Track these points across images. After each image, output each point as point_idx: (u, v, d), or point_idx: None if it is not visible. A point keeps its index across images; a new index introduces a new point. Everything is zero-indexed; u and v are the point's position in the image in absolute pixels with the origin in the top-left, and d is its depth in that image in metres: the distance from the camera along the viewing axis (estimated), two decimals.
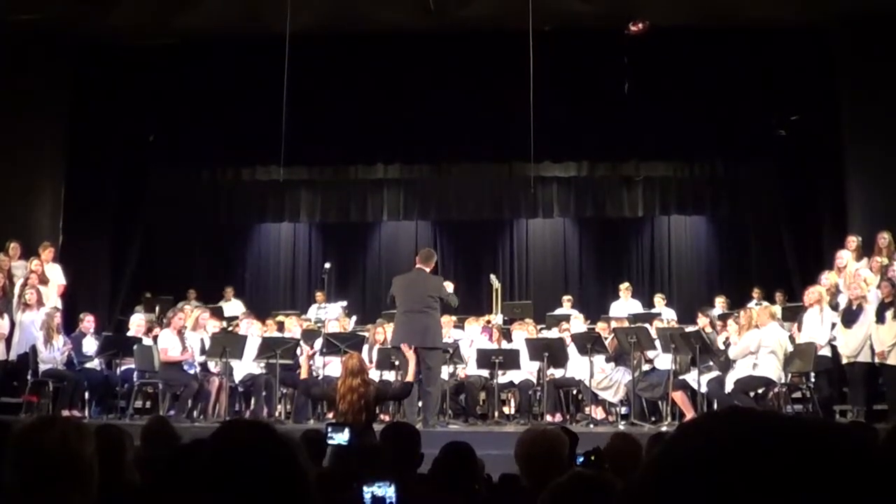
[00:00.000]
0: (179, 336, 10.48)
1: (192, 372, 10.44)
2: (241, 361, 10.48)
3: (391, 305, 9.84)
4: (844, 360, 9.76)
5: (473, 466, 4.07)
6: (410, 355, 8.22)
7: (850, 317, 9.71)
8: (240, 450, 1.23)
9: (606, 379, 10.26)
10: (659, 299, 13.51)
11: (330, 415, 8.99)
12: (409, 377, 8.15)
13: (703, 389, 9.67)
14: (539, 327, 11.81)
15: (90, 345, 10.89)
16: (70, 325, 11.23)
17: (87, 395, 10.53)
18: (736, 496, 0.68)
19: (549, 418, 10.02)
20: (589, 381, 10.05)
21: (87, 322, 11.10)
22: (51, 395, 10.34)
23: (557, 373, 10.47)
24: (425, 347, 9.02)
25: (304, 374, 8.53)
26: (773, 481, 0.68)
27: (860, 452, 0.70)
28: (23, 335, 10.80)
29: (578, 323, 11.48)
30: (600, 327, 11.33)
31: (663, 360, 10.16)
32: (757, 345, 9.42)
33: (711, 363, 9.84)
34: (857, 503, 0.67)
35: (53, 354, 10.44)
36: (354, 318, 12.77)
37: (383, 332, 10.98)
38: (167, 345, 10.39)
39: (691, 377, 9.82)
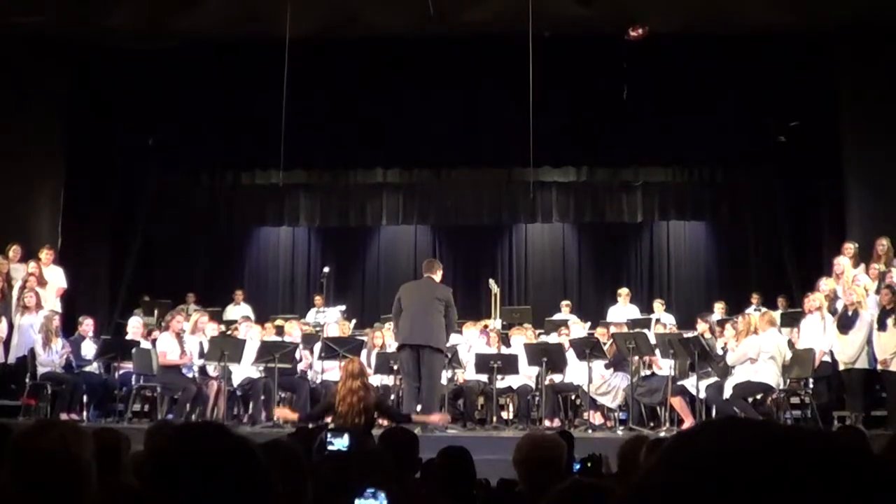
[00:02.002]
0: (178, 339, 10.47)
1: (190, 375, 10.43)
2: (239, 365, 10.46)
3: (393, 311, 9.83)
4: (841, 367, 9.74)
5: (470, 471, 4.06)
6: (441, 417, 8.67)
7: (845, 322, 9.70)
8: (198, 453, 1.23)
9: (605, 384, 10.25)
10: (658, 305, 13.49)
11: (329, 419, 9.02)
12: (415, 418, 8.27)
13: (702, 395, 9.66)
14: (538, 332, 11.81)
15: (89, 348, 10.87)
16: (69, 328, 11.22)
17: (85, 398, 10.50)
18: None
19: (547, 423, 10.02)
20: (587, 387, 10.04)
21: (86, 325, 11.10)
22: (49, 398, 10.32)
23: (556, 378, 10.46)
24: (427, 347, 9.12)
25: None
26: (770, 491, 0.68)
27: (858, 462, 0.70)
28: (21, 338, 10.80)
29: (578, 328, 11.44)
30: (599, 332, 11.31)
31: (662, 366, 10.17)
32: (756, 351, 9.41)
33: (710, 369, 9.84)
34: None
35: (52, 357, 10.43)
36: (354, 321, 12.76)
37: (381, 336, 10.99)
38: (166, 348, 10.38)
39: (689, 383, 9.81)
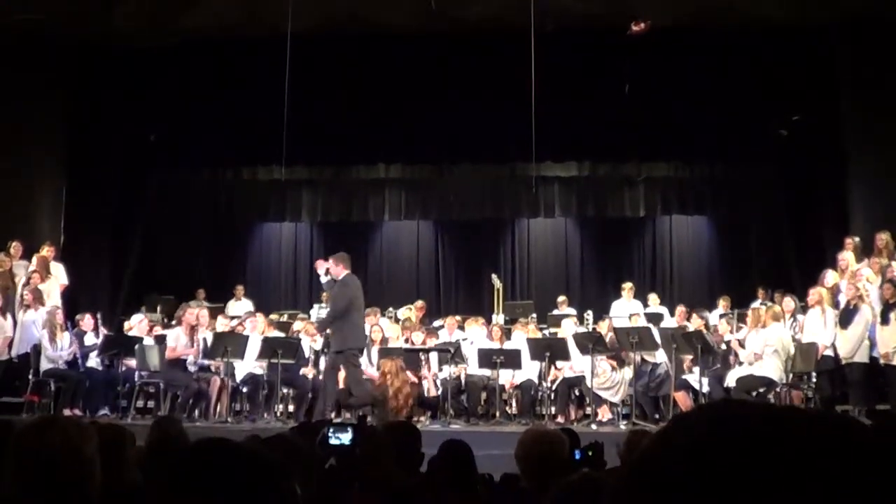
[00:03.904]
0: (190, 333, 10.48)
1: (194, 370, 10.43)
2: (242, 361, 10.47)
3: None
4: (842, 361, 9.75)
5: (471, 465, 4.06)
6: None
7: (846, 317, 9.71)
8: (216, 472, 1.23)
9: (608, 380, 10.24)
10: (654, 298, 13.37)
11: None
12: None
13: (706, 389, 9.68)
14: (540, 327, 11.81)
15: (91, 342, 10.90)
16: (71, 325, 11.23)
17: (88, 394, 10.53)
18: (729, 487, 0.68)
19: (561, 420, 10.04)
20: (590, 381, 10.05)
21: (86, 322, 11.08)
22: (52, 394, 10.34)
23: (566, 372, 10.40)
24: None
25: None
26: (766, 472, 0.68)
27: (854, 442, 0.71)
28: (24, 335, 10.80)
29: (569, 324, 11.30)
30: (602, 326, 11.24)
31: (660, 356, 10.20)
32: (762, 345, 9.45)
33: (718, 366, 9.88)
34: (852, 492, 0.68)
35: (59, 353, 10.43)
36: None
37: (380, 330, 11.05)
38: (174, 342, 10.39)
39: (693, 378, 9.82)
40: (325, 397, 9.74)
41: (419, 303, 12.90)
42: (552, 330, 11.72)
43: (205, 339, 10.70)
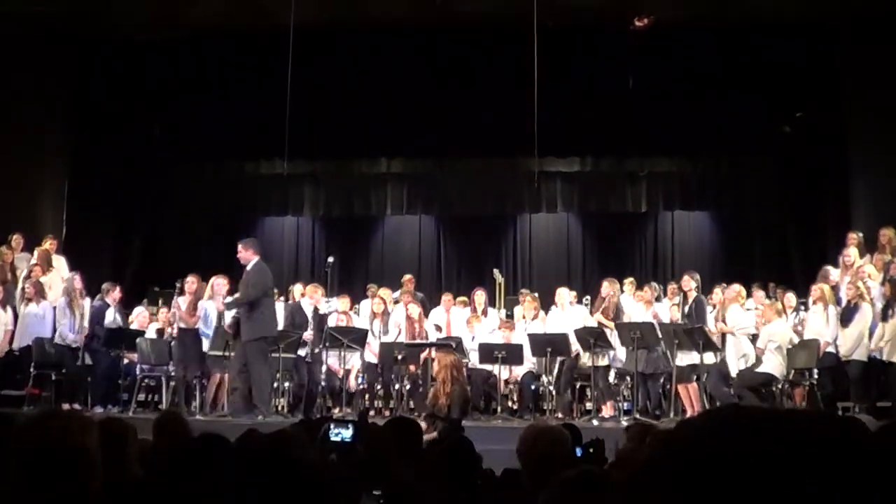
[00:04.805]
0: (194, 299, 10.37)
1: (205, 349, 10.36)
2: None
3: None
4: (842, 359, 9.75)
5: (472, 460, 4.06)
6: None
7: (847, 315, 9.71)
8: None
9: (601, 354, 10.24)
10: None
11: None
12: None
13: (707, 361, 9.70)
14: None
15: (112, 318, 10.85)
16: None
17: (89, 388, 10.53)
18: (732, 487, 0.68)
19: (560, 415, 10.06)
20: (593, 377, 10.06)
21: (115, 294, 10.98)
22: (53, 388, 10.34)
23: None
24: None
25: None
26: (767, 473, 0.68)
27: (854, 442, 0.71)
28: (25, 328, 10.79)
29: (564, 292, 11.21)
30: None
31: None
32: (765, 341, 9.47)
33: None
34: (852, 492, 0.68)
35: (72, 332, 10.36)
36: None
37: (379, 315, 11.09)
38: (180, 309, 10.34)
39: (689, 358, 9.79)
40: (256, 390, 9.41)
41: (407, 276, 12.93)
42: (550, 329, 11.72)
43: (206, 309, 10.45)
